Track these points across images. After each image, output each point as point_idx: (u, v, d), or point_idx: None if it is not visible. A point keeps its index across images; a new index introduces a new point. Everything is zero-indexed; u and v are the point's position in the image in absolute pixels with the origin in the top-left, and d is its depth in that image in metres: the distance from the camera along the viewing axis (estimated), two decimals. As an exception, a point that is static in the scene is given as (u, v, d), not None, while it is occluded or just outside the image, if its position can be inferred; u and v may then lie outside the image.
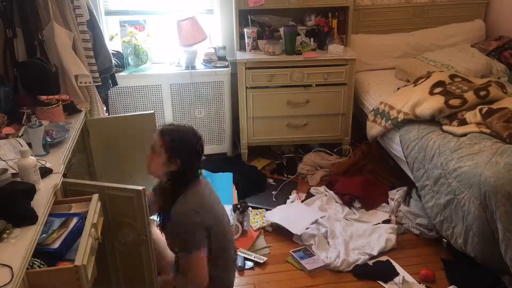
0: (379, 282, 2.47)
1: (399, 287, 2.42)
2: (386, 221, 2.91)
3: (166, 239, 2.14)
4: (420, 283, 2.45)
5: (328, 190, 3.23)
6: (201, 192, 1.98)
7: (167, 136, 1.95)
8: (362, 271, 2.54)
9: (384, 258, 2.63)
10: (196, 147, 1.98)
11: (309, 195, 3.22)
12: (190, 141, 1.97)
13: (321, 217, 2.90)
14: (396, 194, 3.11)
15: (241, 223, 2.82)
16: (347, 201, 3.07)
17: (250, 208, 2.97)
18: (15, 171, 1.77)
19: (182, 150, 1.94)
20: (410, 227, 2.87)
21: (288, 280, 2.52)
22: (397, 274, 2.49)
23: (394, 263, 2.58)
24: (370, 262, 2.60)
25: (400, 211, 2.96)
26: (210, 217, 1.95)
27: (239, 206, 2.85)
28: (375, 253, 2.64)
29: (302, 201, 3.12)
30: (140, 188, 1.88)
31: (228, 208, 2.76)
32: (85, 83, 2.71)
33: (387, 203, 3.08)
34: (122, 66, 3.48)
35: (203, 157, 2.06)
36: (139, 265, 2.02)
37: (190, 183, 1.98)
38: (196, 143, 1.98)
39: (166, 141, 1.93)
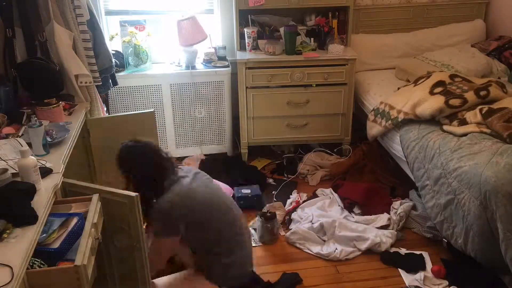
0: (400, 270, 2.53)
1: (419, 282, 2.43)
2: (385, 227, 2.87)
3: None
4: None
5: (333, 192, 3.20)
6: (176, 189, 2.15)
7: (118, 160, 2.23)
8: (389, 258, 2.61)
9: (418, 252, 2.66)
10: (147, 156, 2.20)
11: (314, 196, 3.21)
12: (135, 153, 2.20)
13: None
14: (399, 208, 2.93)
15: (271, 229, 2.78)
16: (347, 206, 3.03)
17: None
18: (15, 171, 1.77)
19: (131, 164, 2.19)
20: (422, 231, 2.81)
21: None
22: (424, 269, 2.52)
23: (427, 259, 2.61)
24: (403, 252, 2.64)
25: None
26: (185, 209, 2.13)
27: (268, 213, 2.80)
28: (362, 248, 2.66)
29: (304, 201, 3.12)
30: (134, 194, 1.86)
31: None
32: (85, 83, 2.70)
33: (388, 213, 2.95)
34: (122, 66, 3.48)
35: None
36: (133, 269, 2.00)
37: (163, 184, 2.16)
38: (146, 153, 2.21)
39: (119, 163, 2.23)
